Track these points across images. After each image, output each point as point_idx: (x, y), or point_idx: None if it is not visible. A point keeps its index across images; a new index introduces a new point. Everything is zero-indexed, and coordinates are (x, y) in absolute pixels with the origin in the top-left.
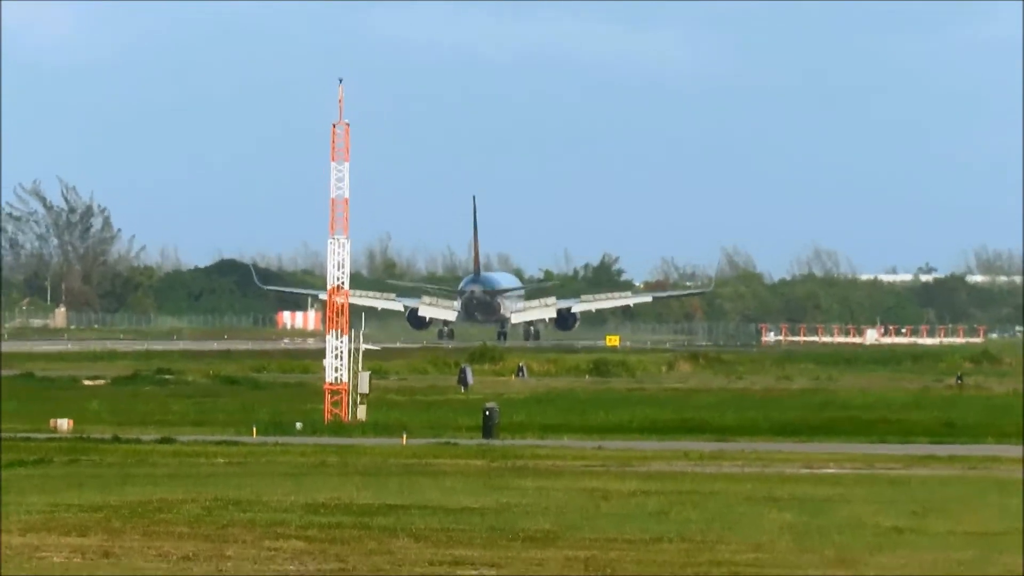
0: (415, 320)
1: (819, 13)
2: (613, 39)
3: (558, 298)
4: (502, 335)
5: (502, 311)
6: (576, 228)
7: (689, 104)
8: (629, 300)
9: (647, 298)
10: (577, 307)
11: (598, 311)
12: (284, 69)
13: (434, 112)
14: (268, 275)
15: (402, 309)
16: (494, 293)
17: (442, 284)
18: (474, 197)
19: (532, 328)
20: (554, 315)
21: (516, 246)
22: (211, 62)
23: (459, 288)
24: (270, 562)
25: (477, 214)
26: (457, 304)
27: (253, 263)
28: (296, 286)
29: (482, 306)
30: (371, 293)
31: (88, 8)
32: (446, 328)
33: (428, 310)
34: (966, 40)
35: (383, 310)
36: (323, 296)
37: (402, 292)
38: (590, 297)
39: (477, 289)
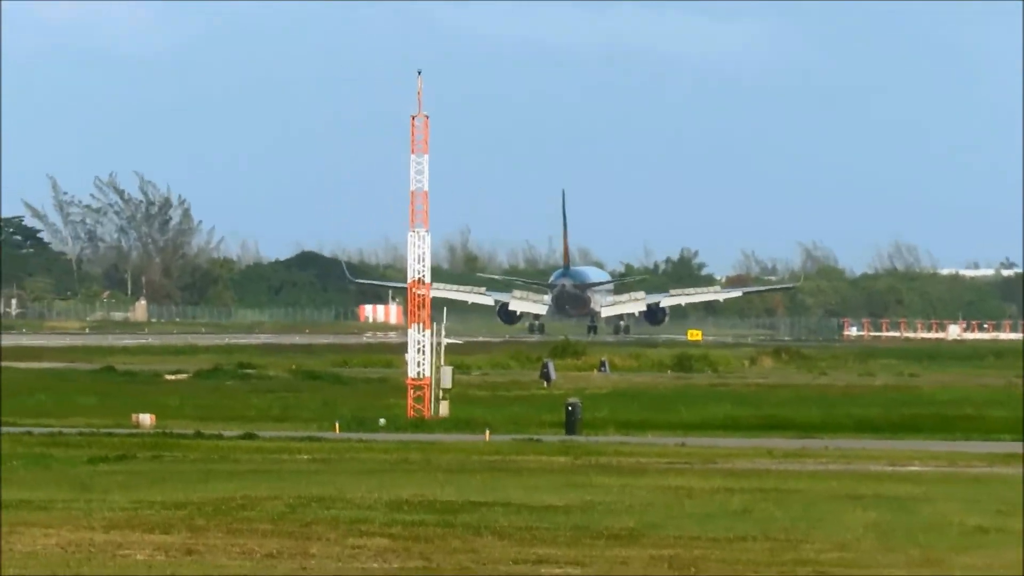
0: (505, 314)
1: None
2: (699, 32)
3: (648, 292)
4: (592, 329)
5: (592, 305)
6: (655, 221)
7: (767, 99)
8: (719, 295)
9: (736, 293)
10: (666, 301)
11: (680, 305)
12: (363, 62)
13: (513, 105)
14: (350, 269)
15: (492, 303)
16: (584, 287)
17: (523, 277)
18: (563, 191)
19: (621, 322)
20: (643, 309)
21: (595, 239)
22: (290, 54)
23: (549, 282)
24: (354, 560)
25: (566, 208)
26: (547, 298)
27: (342, 258)
28: (379, 280)
29: (573, 300)
30: (462, 288)
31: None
32: (536, 322)
33: (519, 304)
34: None
35: (472, 304)
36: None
37: (492, 286)
38: (679, 291)
39: (568, 283)
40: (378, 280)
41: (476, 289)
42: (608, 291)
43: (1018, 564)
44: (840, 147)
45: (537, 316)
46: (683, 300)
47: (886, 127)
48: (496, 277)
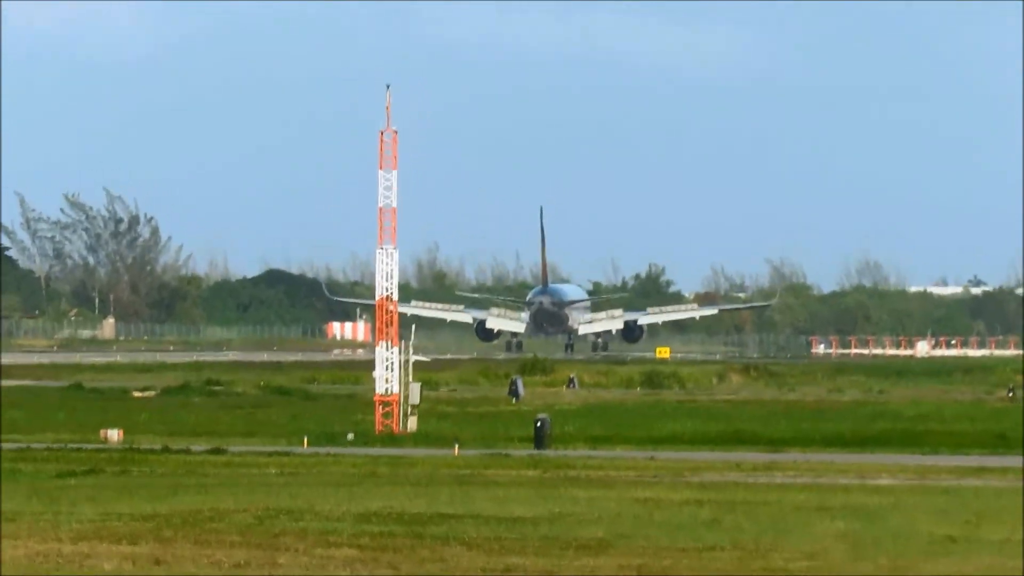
0: (483, 332)
1: (884, 13)
2: (660, 40)
3: (624, 310)
4: (569, 347)
5: (570, 323)
6: (622, 237)
7: (734, 110)
8: (695, 312)
9: (713, 310)
10: (644, 319)
11: (657, 323)
12: (330, 76)
13: (478, 120)
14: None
15: (471, 321)
16: (562, 304)
17: (491, 293)
18: (541, 208)
19: (600, 340)
20: (621, 327)
21: (563, 255)
22: (258, 69)
23: (527, 299)
24: (322, 570)
25: (544, 225)
26: (525, 316)
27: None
28: (356, 297)
29: (551, 317)
30: (439, 305)
31: (133, 7)
32: (514, 340)
33: (496, 322)
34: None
35: (450, 322)
36: (400, 309)
37: (469, 303)
38: (657, 309)
39: (546, 300)
40: (355, 297)
41: (454, 307)
42: (586, 308)
43: (986, 571)
44: (810, 163)
45: (515, 334)
46: (660, 318)
47: (858, 140)
48: (475, 295)
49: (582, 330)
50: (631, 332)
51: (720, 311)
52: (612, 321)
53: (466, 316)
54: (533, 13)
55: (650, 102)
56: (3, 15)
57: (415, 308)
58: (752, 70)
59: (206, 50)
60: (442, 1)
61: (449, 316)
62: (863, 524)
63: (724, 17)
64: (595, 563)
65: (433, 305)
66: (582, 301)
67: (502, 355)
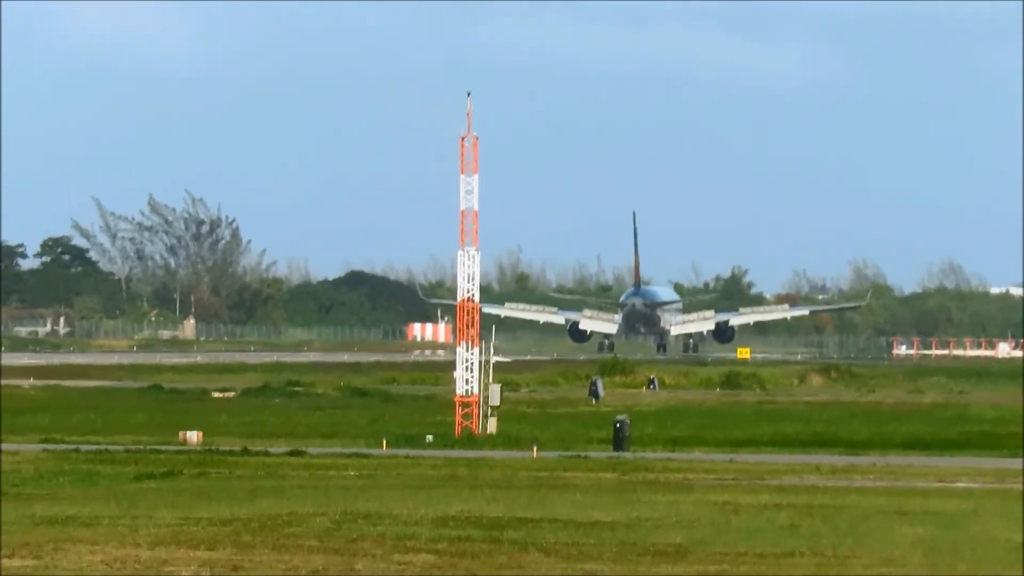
0: (576, 333)
1: (955, 23)
2: (741, 52)
3: (716, 311)
4: (662, 347)
5: (662, 324)
6: (702, 240)
7: (815, 116)
8: (786, 313)
9: (804, 311)
10: (735, 320)
11: (749, 324)
12: (411, 81)
13: (561, 125)
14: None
15: (563, 322)
16: (654, 306)
17: (573, 295)
18: (634, 213)
19: (691, 341)
20: (712, 328)
21: (643, 258)
22: (338, 72)
23: (620, 301)
24: None
25: (638, 229)
26: (617, 317)
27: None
28: (448, 299)
29: (643, 319)
30: (533, 307)
31: (199, 12)
32: (606, 341)
33: (589, 323)
34: None
35: (540, 323)
36: (492, 310)
37: (560, 306)
38: (748, 310)
39: (638, 302)
40: (448, 299)
41: (548, 309)
42: (677, 310)
43: None
44: (889, 165)
45: (607, 335)
46: (752, 319)
47: (935, 145)
48: (568, 297)
49: (674, 331)
50: (723, 333)
51: (812, 312)
52: (704, 322)
53: (559, 318)
54: (602, 29)
55: (729, 112)
56: (65, 26)
57: (509, 310)
58: (832, 80)
59: (285, 59)
60: (521, 1)
61: (543, 318)
62: (942, 530)
63: (795, 29)
64: (673, 570)
65: (527, 307)
66: (674, 303)
67: (583, 356)
